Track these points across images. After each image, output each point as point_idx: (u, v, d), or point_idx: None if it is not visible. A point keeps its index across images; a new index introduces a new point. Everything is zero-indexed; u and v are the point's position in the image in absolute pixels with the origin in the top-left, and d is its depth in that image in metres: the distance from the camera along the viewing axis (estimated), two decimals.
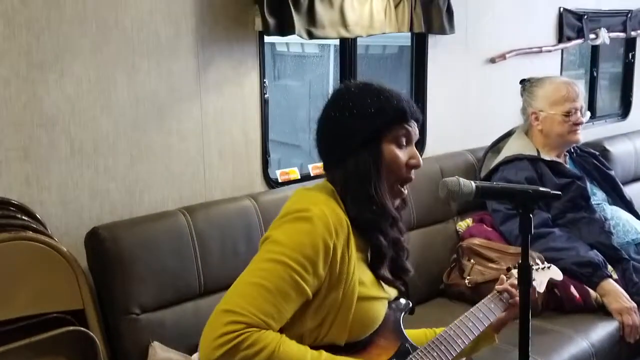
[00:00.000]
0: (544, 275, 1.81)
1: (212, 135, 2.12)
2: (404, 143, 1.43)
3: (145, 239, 1.79)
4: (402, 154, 1.42)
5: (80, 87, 1.81)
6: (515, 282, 1.62)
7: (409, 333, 1.51)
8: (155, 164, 2.00)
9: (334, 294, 1.33)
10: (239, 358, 1.20)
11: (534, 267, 1.78)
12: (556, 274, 1.85)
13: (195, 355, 1.70)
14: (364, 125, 1.40)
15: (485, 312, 1.56)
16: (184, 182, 2.07)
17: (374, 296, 1.41)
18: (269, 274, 1.26)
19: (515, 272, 1.71)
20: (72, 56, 1.79)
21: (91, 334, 1.61)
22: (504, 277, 1.69)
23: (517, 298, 1.52)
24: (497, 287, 1.65)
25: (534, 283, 1.69)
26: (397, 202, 1.46)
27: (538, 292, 1.73)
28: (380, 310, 1.42)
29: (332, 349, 1.34)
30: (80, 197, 1.85)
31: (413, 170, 1.45)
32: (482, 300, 1.59)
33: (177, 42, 2.00)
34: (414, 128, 1.44)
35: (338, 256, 1.33)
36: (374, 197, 1.39)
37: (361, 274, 1.39)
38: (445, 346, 1.43)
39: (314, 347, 1.32)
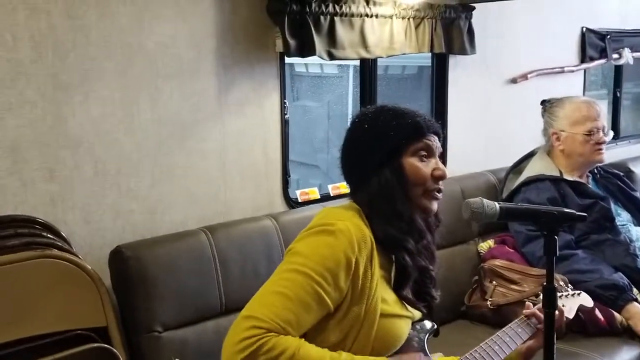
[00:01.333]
0: (574, 301, 1.78)
1: (233, 155, 2.14)
2: (425, 155, 1.44)
3: (167, 258, 1.80)
4: (424, 166, 1.43)
5: (105, 109, 1.85)
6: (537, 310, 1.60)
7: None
8: (177, 184, 2.02)
9: (356, 309, 1.34)
10: None
11: (564, 293, 1.77)
12: (586, 300, 1.82)
13: None
14: (382, 143, 1.42)
15: (512, 336, 1.55)
16: (204, 202, 2.09)
17: (396, 314, 1.41)
18: (290, 283, 1.29)
19: (537, 306, 1.70)
20: (97, 78, 1.82)
21: (115, 350, 1.62)
22: (530, 303, 1.67)
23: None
24: (525, 311, 1.63)
25: (563, 309, 1.67)
26: (432, 208, 1.46)
27: (567, 318, 1.70)
28: (403, 328, 1.42)
29: None
30: (103, 216, 1.87)
31: (441, 182, 1.46)
32: (509, 324, 1.58)
33: (199, 64, 2.03)
34: (433, 141, 1.46)
35: (360, 271, 1.34)
36: (401, 213, 1.40)
37: (383, 292, 1.40)
38: None
39: None
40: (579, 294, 1.81)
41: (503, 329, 1.57)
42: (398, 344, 1.41)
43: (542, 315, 1.58)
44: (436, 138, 1.47)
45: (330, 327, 1.35)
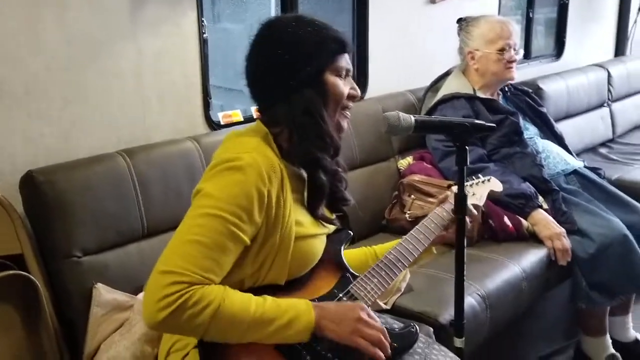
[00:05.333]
0: (484, 188, 1.82)
1: (150, 77, 2.07)
2: (344, 74, 1.43)
3: (83, 182, 1.75)
4: (343, 85, 1.43)
5: (6, 27, 1.73)
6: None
7: (349, 254, 1.55)
8: (92, 107, 1.94)
9: (271, 239, 1.34)
10: (186, 317, 1.19)
11: (474, 181, 1.81)
12: (496, 185, 1.86)
13: (140, 295, 1.71)
14: (307, 60, 1.38)
15: (425, 233, 1.59)
16: (122, 125, 2.02)
17: (311, 234, 1.42)
18: (205, 229, 1.25)
19: (455, 188, 1.75)
20: None
21: (32, 277, 1.59)
22: (442, 195, 1.72)
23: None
24: (437, 208, 1.66)
25: (474, 197, 1.74)
26: (344, 126, 1.47)
27: (477, 205, 1.73)
28: (318, 246, 1.45)
29: (273, 288, 1.35)
30: (12, 141, 1.78)
31: (351, 102, 1.46)
32: (422, 221, 1.62)
33: None
34: (349, 59, 1.45)
35: (273, 201, 1.32)
36: (321, 130, 1.39)
37: (298, 215, 1.40)
38: (385, 271, 1.47)
39: (254, 289, 1.34)
40: (488, 180, 1.85)
41: (416, 226, 1.60)
42: (314, 261, 1.44)
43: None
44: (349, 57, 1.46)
45: (247, 261, 1.33)
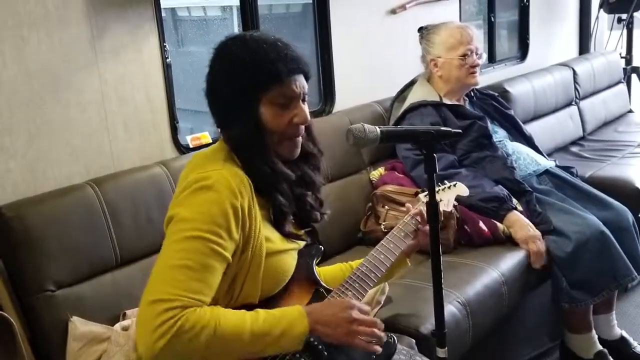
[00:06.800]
0: (451, 193, 1.84)
1: (115, 104, 2.06)
2: (284, 102, 1.38)
3: (52, 215, 1.74)
4: (282, 114, 1.38)
5: None
6: (422, 207, 1.67)
7: (324, 270, 1.54)
8: (57, 139, 1.92)
9: (243, 255, 1.33)
10: (184, 342, 1.18)
11: (441, 187, 1.83)
12: (462, 190, 1.87)
13: (117, 325, 1.69)
14: (240, 89, 1.36)
15: (395, 242, 1.61)
16: (89, 155, 2.00)
17: (282, 250, 1.42)
18: (188, 253, 1.24)
19: (422, 196, 1.76)
20: None
21: (5, 314, 1.57)
22: (410, 205, 1.74)
23: (425, 227, 1.57)
24: (406, 217, 1.69)
25: (441, 203, 1.75)
26: (294, 152, 1.44)
27: (445, 211, 1.76)
28: (289, 262, 1.44)
29: (247, 307, 1.34)
30: None
31: (302, 127, 1.42)
32: (392, 231, 1.64)
33: (66, 9, 1.91)
34: (296, 84, 1.38)
35: (246, 215, 1.32)
36: (266, 160, 1.38)
37: (267, 231, 1.39)
38: (359, 283, 1.48)
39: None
40: (454, 185, 1.86)
41: (386, 236, 1.62)
42: (287, 278, 1.43)
43: (420, 217, 1.65)
44: (301, 77, 1.41)
45: (221, 279, 1.32)
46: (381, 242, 1.60)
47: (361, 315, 1.33)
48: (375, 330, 1.33)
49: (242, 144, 1.38)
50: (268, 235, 1.39)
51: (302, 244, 1.50)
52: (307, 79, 1.43)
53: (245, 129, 1.37)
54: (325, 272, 1.56)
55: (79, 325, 1.69)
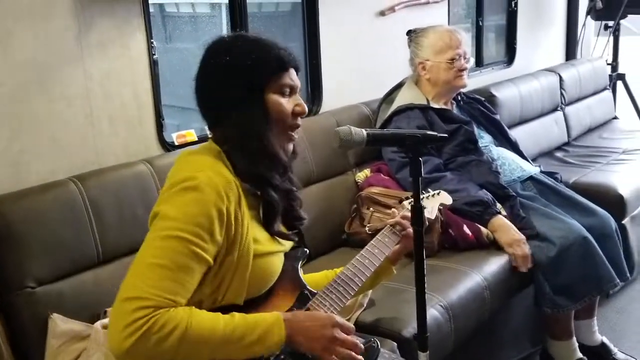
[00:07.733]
0: (434, 201, 1.85)
1: (100, 100, 2.04)
2: (288, 92, 1.43)
3: (34, 211, 1.71)
4: (286, 103, 1.42)
5: None
6: (407, 213, 1.67)
7: (310, 278, 1.54)
8: (41, 134, 1.90)
9: (229, 257, 1.33)
10: (153, 342, 1.17)
11: (424, 195, 1.84)
12: (445, 198, 1.88)
13: (98, 323, 1.67)
14: (245, 78, 1.38)
15: (380, 247, 1.61)
16: (73, 151, 1.98)
17: (269, 251, 1.41)
18: (167, 251, 1.23)
19: (406, 203, 1.77)
20: None
21: None
22: (395, 210, 1.75)
23: (410, 229, 1.58)
24: (389, 220, 1.70)
25: (425, 211, 1.75)
26: (289, 148, 1.46)
27: (429, 219, 1.77)
28: (276, 264, 1.44)
29: (231, 308, 1.33)
30: None
31: (299, 118, 1.45)
32: (376, 236, 1.64)
33: (53, 4, 1.89)
34: (294, 76, 1.44)
35: (232, 219, 1.31)
36: (265, 149, 1.38)
37: (255, 232, 1.39)
38: (343, 287, 1.48)
39: (213, 310, 1.31)
40: (438, 194, 1.87)
41: (371, 241, 1.63)
42: (273, 279, 1.43)
43: (405, 222, 1.66)
44: (295, 73, 1.45)
45: (205, 281, 1.32)
46: (366, 246, 1.60)
47: (343, 335, 1.32)
48: (353, 354, 1.32)
49: (246, 131, 1.37)
50: (256, 237, 1.39)
51: (289, 246, 1.50)
52: (297, 73, 1.47)
53: (250, 117, 1.37)
54: (312, 280, 1.56)
55: (59, 323, 1.67)
